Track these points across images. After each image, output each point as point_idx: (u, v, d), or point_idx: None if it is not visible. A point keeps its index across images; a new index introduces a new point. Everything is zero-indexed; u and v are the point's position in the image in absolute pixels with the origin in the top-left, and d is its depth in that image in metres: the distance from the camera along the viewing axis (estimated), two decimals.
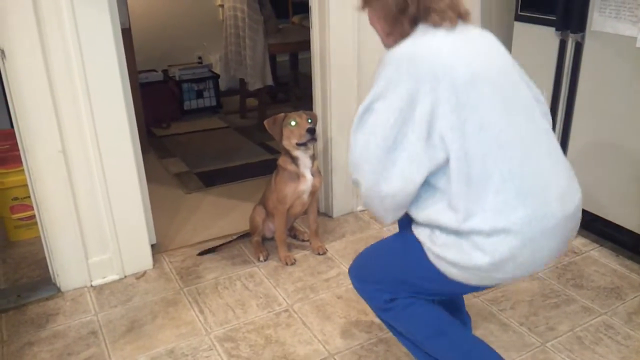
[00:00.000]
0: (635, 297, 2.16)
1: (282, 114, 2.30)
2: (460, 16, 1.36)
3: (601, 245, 2.49)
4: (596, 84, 2.33)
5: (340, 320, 2.06)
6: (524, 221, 1.27)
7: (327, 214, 2.83)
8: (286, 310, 2.13)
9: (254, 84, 3.84)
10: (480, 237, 1.28)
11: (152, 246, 2.46)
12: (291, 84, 4.72)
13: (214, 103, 4.54)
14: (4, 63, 1.91)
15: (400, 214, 1.42)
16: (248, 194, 3.07)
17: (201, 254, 2.50)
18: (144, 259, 2.39)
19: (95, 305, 2.17)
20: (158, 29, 4.50)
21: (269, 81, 3.84)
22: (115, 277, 2.32)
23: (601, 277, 2.28)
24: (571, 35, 2.36)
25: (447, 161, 1.29)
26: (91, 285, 2.28)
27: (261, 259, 2.45)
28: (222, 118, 4.45)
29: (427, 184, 1.35)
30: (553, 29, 2.41)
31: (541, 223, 1.30)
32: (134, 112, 2.27)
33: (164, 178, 3.34)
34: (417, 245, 1.41)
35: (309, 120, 2.28)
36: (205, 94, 4.49)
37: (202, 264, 2.44)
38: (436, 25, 1.32)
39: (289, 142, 2.29)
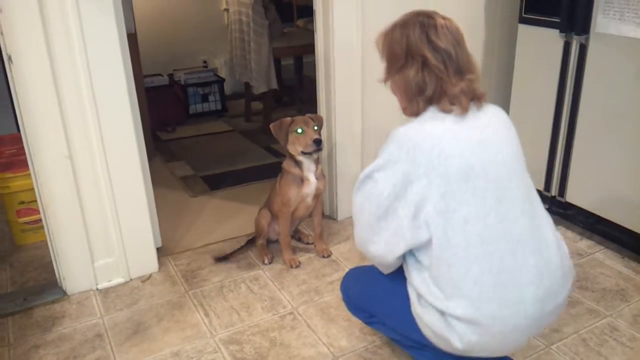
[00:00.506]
0: None
1: (289, 119, 2.30)
2: (474, 99, 1.40)
3: (606, 247, 2.48)
4: (600, 86, 2.33)
5: (344, 322, 2.06)
6: (496, 316, 1.34)
7: (331, 217, 2.83)
8: (291, 313, 2.13)
9: (259, 88, 3.85)
10: (454, 320, 1.35)
11: (158, 249, 2.47)
12: (296, 87, 4.73)
13: (219, 107, 4.56)
14: (11, 68, 1.93)
15: (391, 270, 1.52)
16: (253, 197, 3.08)
17: (219, 260, 2.48)
18: (149, 262, 2.40)
19: (101, 308, 2.19)
20: (163, 34, 4.53)
21: (274, 85, 3.85)
22: (120, 280, 2.34)
23: (606, 279, 2.27)
24: (575, 37, 2.36)
25: (430, 242, 1.35)
26: (97, 289, 2.30)
27: (266, 261, 2.45)
28: (227, 122, 4.46)
29: (414, 257, 1.42)
30: (557, 31, 2.41)
31: (513, 320, 1.36)
32: (139, 117, 2.29)
33: (169, 181, 3.35)
34: (407, 295, 1.49)
35: (315, 128, 2.28)
36: (211, 97, 4.51)
37: (207, 267, 2.45)
38: (445, 111, 1.37)
39: (294, 148, 2.30)
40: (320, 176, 2.39)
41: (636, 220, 2.32)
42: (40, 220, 2.22)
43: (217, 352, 1.93)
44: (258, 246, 2.53)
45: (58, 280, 2.28)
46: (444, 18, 1.42)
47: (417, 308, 1.45)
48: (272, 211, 2.49)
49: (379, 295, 1.63)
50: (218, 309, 2.16)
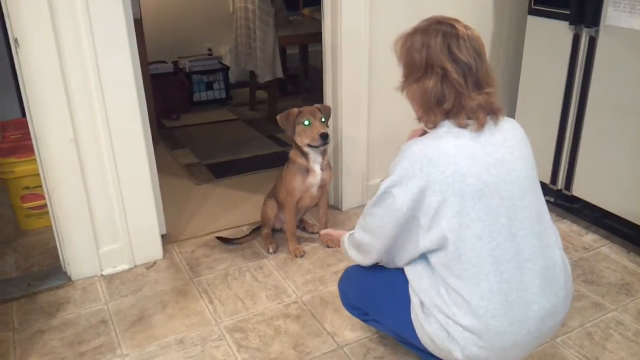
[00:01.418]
0: None
1: (296, 110, 2.27)
2: (492, 113, 1.38)
3: (612, 242, 2.48)
4: (610, 79, 2.32)
5: (347, 313, 2.05)
6: (499, 331, 1.35)
7: (336, 207, 2.83)
8: (296, 302, 2.13)
9: (264, 77, 3.83)
10: (458, 328, 1.36)
11: (163, 237, 2.47)
12: (301, 76, 4.71)
13: (223, 95, 4.54)
14: (17, 52, 1.92)
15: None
16: (258, 186, 3.07)
17: (220, 239, 2.51)
18: (154, 250, 2.40)
19: (105, 294, 2.19)
20: (169, 21, 4.51)
21: (279, 74, 3.83)
22: (125, 267, 2.34)
23: (612, 274, 2.27)
24: (585, 29, 2.34)
25: (441, 253, 1.36)
26: (102, 275, 2.30)
27: (271, 250, 2.45)
28: (231, 110, 4.45)
29: (423, 264, 1.43)
30: (567, 23, 2.39)
31: (515, 338, 1.37)
32: (145, 103, 2.28)
33: (174, 169, 3.35)
34: (407, 299, 1.49)
35: (323, 120, 2.26)
36: (215, 86, 4.50)
37: (212, 255, 2.45)
38: (462, 126, 1.35)
39: (301, 140, 2.29)
40: (326, 167, 2.38)
41: None
42: (45, 205, 2.22)
43: (222, 339, 1.94)
44: (263, 235, 2.53)
45: (63, 266, 2.28)
46: (466, 28, 1.38)
47: (419, 316, 1.45)
48: (278, 200, 2.49)
49: (377, 297, 1.64)
50: (223, 297, 2.16)
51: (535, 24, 2.57)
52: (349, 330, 1.98)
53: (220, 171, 3.32)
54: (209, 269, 2.35)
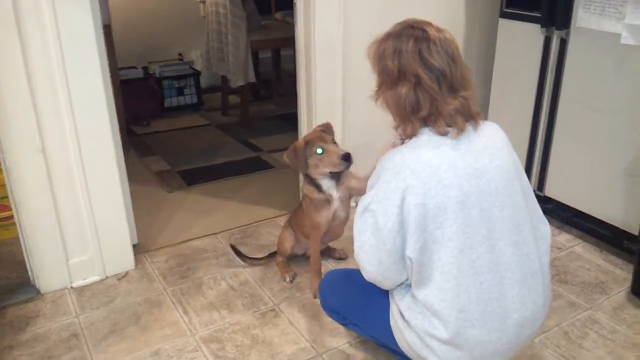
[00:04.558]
0: (620, 291, 2.18)
1: (301, 142, 2.05)
2: (470, 118, 1.35)
3: (585, 241, 2.51)
4: (581, 81, 2.35)
5: (327, 318, 2.00)
6: (478, 340, 1.35)
7: None
8: (272, 310, 2.10)
9: (237, 81, 3.79)
10: (435, 342, 1.36)
11: (134, 246, 2.41)
12: (274, 81, 4.68)
13: (195, 100, 4.48)
14: None
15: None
16: (231, 193, 3.03)
17: (233, 248, 2.37)
18: (125, 259, 2.34)
19: (76, 307, 2.12)
20: (138, 26, 4.43)
21: (252, 78, 3.79)
22: (96, 278, 2.27)
23: (586, 273, 2.29)
24: (556, 31, 2.37)
25: (420, 264, 1.33)
26: (71, 287, 2.23)
27: (287, 279, 2.26)
28: (203, 115, 4.39)
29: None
30: (538, 25, 2.42)
31: (494, 346, 1.37)
32: (115, 110, 2.22)
33: (145, 177, 3.28)
34: (387, 304, 1.49)
35: (334, 141, 2.05)
36: (186, 91, 4.43)
37: (186, 264, 2.40)
38: (441, 134, 1.33)
39: (318, 171, 2.02)
40: (343, 182, 2.09)
41: (615, 214, 2.34)
42: (12, 217, 2.14)
43: (197, 350, 1.89)
44: (278, 263, 2.34)
45: (31, 278, 2.20)
46: (438, 30, 1.35)
47: (398, 322, 1.44)
48: (298, 231, 2.29)
49: (357, 302, 1.63)
50: (197, 307, 2.12)
51: (506, 26, 2.60)
52: (328, 336, 1.95)
53: (193, 178, 3.26)
54: (183, 278, 2.30)
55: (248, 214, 2.81)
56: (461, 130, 1.33)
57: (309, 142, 2.01)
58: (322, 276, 2.08)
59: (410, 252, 1.32)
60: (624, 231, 2.32)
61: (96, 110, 2.07)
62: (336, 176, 2.05)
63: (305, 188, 2.13)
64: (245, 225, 2.71)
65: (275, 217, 2.77)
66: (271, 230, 2.66)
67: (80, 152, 2.08)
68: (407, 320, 1.41)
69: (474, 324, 1.34)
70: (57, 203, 2.11)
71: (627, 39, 2.12)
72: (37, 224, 2.09)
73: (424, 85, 1.31)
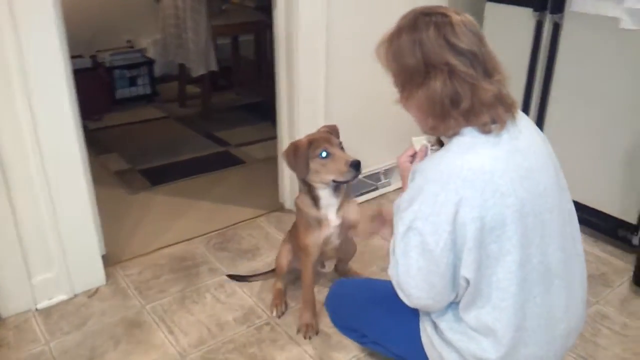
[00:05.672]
0: (622, 283, 2.14)
1: (304, 140, 1.76)
2: (510, 109, 1.20)
3: (581, 232, 2.45)
4: (575, 68, 2.26)
5: (329, 330, 1.87)
6: (528, 357, 1.25)
7: (282, 209, 2.60)
8: (268, 324, 1.92)
9: (197, 70, 3.54)
10: None
11: (103, 258, 2.15)
12: (233, 68, 4.42)
13: (148, 91, 4.17)
14: None
15: None
16: (202, 192, 2.81)
17: (232, 277, 2.14)
18: (95, 274, 2.10)
19: (44, 332, 1.87)
20: (83, 10, 4.05)
21: (214, 66, 3.55)
22: (63, 297, 2.02)
23: (587, 265, 2.22)
24: (549, 15, 2.27)
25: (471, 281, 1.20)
26: (36, 309, 1.97)
27: (274, 313, 1.95)
28: (159, 107, 4.10)
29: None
30: (530, 9, 2.31)
31: (543, 359, 1.28)
32: (77, 103, 1.95)
33: (103, 177, 2.98)
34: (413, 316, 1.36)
35: (341, 144, 1.78)
36: (139, 81, 4.12)
37: (163, 275, 2.18)
38: (486, 132, 1.17)
39: (320, 178, 1.74)
40: (347, 204, 1.83)
41: (611, 203, 2.29)
42: None
43: None
44: (273, 290, 2.04)
45: None
46: (457, 13, 1.19)
47: (434, 340, 1.30)
48: (294, 246, 1.99)
49: (377, 316, 1.48)
50: (183, 325, 1.91)
51: (494, 10, 2.48)
52: (333, 351, 1.80)
53: (157, 177, 3.01)
54: (162, 292, 2.08)
55: (224, 216, 2.60)
56: (504, 124, 1.18)
57: (313, 142, 1.74)
58: (315, 309, 1.90)
59: (467, 271, 1.16)
60: (618, 220, 2.27)
61: (56, 104, 1.82)
62: (338, 190, 1.80)
63: (298, 198, 1.85)
64: (223, 228, 2.50)
65: (255, 218, 2.58)
66: (252, 232, 2.47)
67: (41, 157, 1.82)
68: (447, 340, 1.27)
69: (527, 342, 1.22)
70: (16, 215, 1.84)
71: (627, 23, 2.04)
72: None
73: (458, 72, 1.15)
